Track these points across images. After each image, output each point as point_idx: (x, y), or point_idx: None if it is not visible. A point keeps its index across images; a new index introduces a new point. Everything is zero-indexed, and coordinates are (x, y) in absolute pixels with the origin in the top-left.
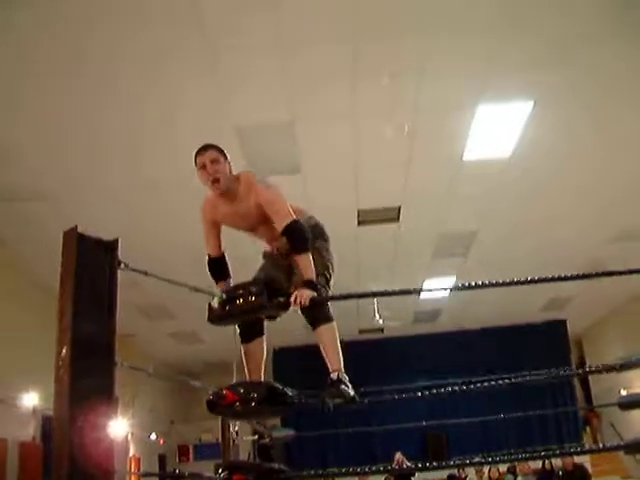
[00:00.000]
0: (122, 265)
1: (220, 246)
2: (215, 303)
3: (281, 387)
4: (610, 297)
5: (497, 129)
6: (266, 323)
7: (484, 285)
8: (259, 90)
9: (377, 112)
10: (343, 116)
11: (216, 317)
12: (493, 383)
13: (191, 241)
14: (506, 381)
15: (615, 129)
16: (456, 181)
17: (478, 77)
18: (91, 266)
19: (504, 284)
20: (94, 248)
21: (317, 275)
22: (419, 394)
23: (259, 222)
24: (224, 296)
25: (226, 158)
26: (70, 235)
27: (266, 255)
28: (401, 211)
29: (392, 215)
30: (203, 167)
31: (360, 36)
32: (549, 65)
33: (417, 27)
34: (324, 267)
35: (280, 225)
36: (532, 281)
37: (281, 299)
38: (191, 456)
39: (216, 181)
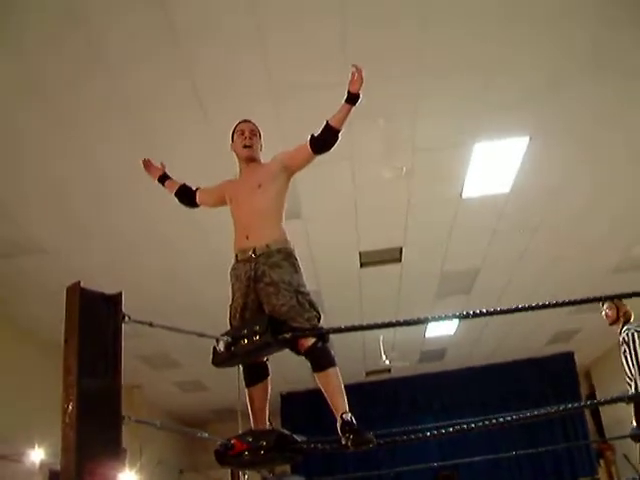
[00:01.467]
0: (127, 318)
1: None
2: (220, 346)
3: (290, 434)
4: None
5: (495, 165)
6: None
7: (492, 313)
8: None
9: (374, 154)
10: (341, 159)
11: (220, 360)
12: (502, 420)
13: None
14: (514, 417)
15: (609, 161)
16: (457, 219)
17: (473, 115)
18: (95, 320)
19: (511, 311)
20: (98, 302)
21: (309, 319)
22: (428, 434)
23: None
24: (229, 339)
25: (260, 138)
26: (73, 290)
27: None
28: (403, 252)
29: (394, 256)
30: (242, 133)
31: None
32: (542, 100)
33: (408, 70)
34: (311, 307)
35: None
36: (539, 307)
37: (287, 335)
38: None
39: (248, 146)
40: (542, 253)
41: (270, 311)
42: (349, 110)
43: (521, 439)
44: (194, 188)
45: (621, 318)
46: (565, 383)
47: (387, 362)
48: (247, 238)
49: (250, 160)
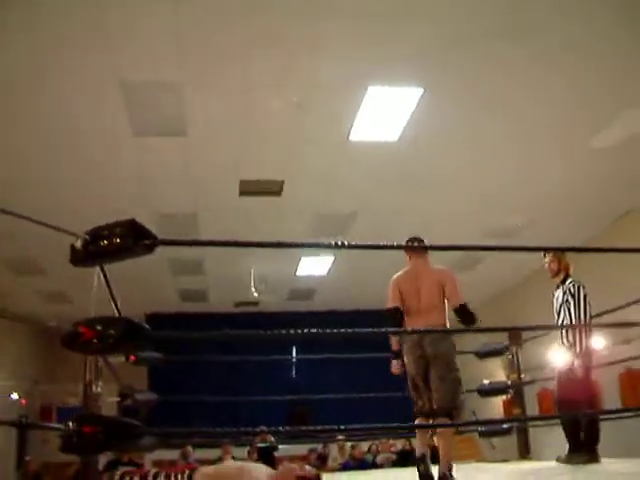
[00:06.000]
0: None
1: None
2: (78, 244)
3: (139, 322)
4: (480, 290)
5: (386, 112)
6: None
7: (370, 247)
8: (149, 46)
9: (268, 84)
10: (234, 84)
11: (77, 258)
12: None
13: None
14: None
15: (499, 123)
16: (341, 161)
17: (370, 59)
18: None
19: (390, 247)
20: None
21: None
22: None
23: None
24: (87, 237)
25: None
26: None
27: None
28: (284, 186)
29: (275, 189)
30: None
31: (255, 9)
32: (441, 56)
33: (313, 8)
34: None
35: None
36: (433, 247)
37: (147, 242)
38: (54, 418)
39: None
40: (420, 208)
41: None
42: None
43: (378, 384)
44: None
45: (562, 271)
46: None
47: (256, 294)
48: None
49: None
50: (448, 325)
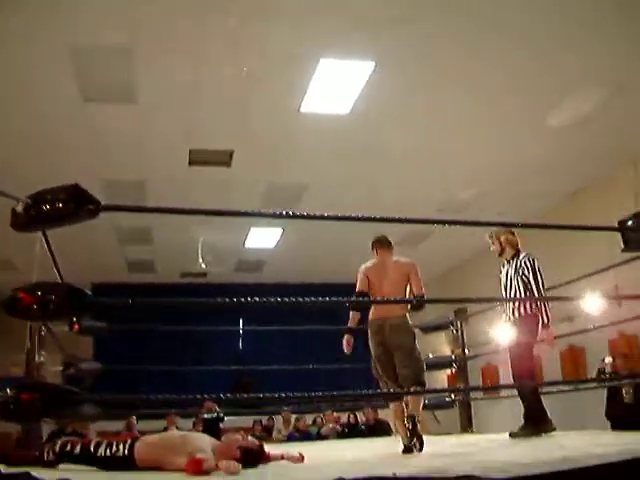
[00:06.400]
0: None
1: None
2: (19, 208)
3: (81, 288)
4: (428, 266)
5: (337, 85)
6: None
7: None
8: (99, 10)
9: (220, 52)
10: (185, 50)
11: (20, 223)
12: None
13: None
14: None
15: (452, 100)
16: (291, 132)
17: (324, 31)
18: None
19: (341, 218)
20: None
21: None
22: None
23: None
24: (29, 202)
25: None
26: None
27: None
28: (234, 156)
29: (224, 159)
30: None
31: None
32: (394, 30)
33: None
34: None
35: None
36: (377, 219)
37: (91, 207)
38: None
39: None
40: (371, 181)
41: None
42: None
43: (325, 356)
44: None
45: (506, 247)
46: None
47: (204, 266)
48: None
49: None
50: (408, 315)
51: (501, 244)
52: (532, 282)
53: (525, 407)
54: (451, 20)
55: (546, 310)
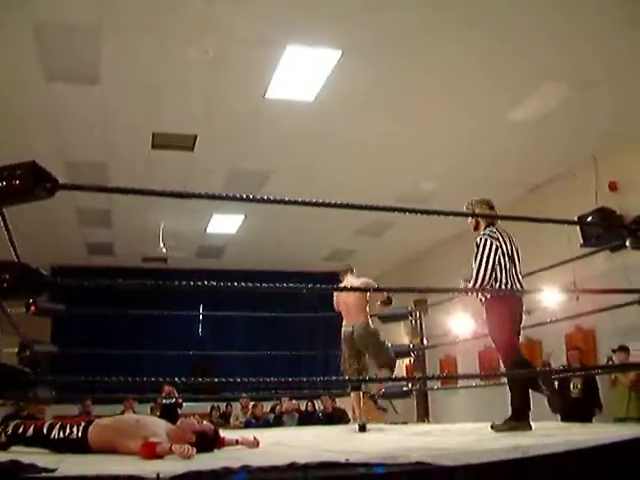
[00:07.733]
0: None
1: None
2: None
3: (37, 268)
4: (388, 256)
5: (303, 72)
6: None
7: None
8: None
9: (186, 34)
10: (152, 32)
11: None
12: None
13: None
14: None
15: (418, 91)
16: (255, 117)
17: (291, 18)
18: None
19: (302, 203)
20: None
21: None
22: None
23: None
24: None
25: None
26: None
27: None
28: (197, 140)
29: (187, 143)
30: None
31: None
32: (359, 18)
33: None
34: None
35: None
36: (341, 205)
37: (48, 185)
38: None
39: None
40: (334, 169)
41: None
42: None
43: (284, 344)
44: None
45: (481, 222)
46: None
47: (164, 250)
48: None
49: None
50: (370, 321)
51: (476, 222)
52: (474, 264)
53: (511, 397)
54: (419, 11)
55: (476, 279)
